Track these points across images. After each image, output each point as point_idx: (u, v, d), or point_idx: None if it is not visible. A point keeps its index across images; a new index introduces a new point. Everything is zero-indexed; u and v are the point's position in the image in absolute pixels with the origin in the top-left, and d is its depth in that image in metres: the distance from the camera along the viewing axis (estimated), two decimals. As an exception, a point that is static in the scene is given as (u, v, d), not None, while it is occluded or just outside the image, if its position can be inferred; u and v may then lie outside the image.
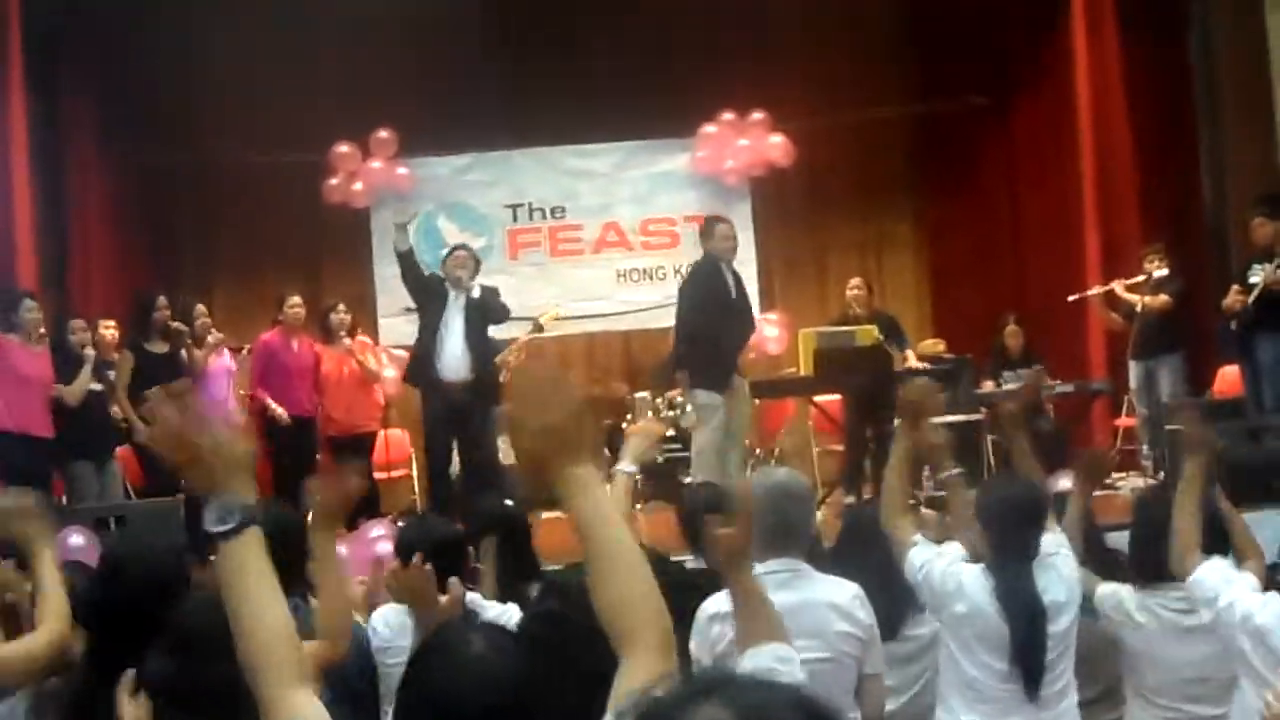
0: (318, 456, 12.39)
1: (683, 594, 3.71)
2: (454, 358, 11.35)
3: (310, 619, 4.47)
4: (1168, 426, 11.79)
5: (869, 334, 12.13)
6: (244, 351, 12.43)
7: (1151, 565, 5.35)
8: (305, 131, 14.96)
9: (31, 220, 12.48)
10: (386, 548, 7.71)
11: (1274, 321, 11.03)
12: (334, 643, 4.33)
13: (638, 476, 5.21)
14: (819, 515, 7.94)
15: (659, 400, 14.07)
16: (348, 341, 12.47)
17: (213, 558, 2.72)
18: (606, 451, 13.57)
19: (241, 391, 12.55)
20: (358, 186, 15.02)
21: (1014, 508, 5.25)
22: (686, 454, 13.53)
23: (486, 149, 15.69)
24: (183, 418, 2.73)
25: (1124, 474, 12.33)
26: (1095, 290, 12.88)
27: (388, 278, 13.86)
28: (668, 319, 15.18)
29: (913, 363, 13.12)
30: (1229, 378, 12.22)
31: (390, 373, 12.92)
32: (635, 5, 14.73)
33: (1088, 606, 5.42)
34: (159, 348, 11.45)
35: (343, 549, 9.43)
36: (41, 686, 4.14)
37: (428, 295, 11.63)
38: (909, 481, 5.54)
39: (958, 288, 15.99)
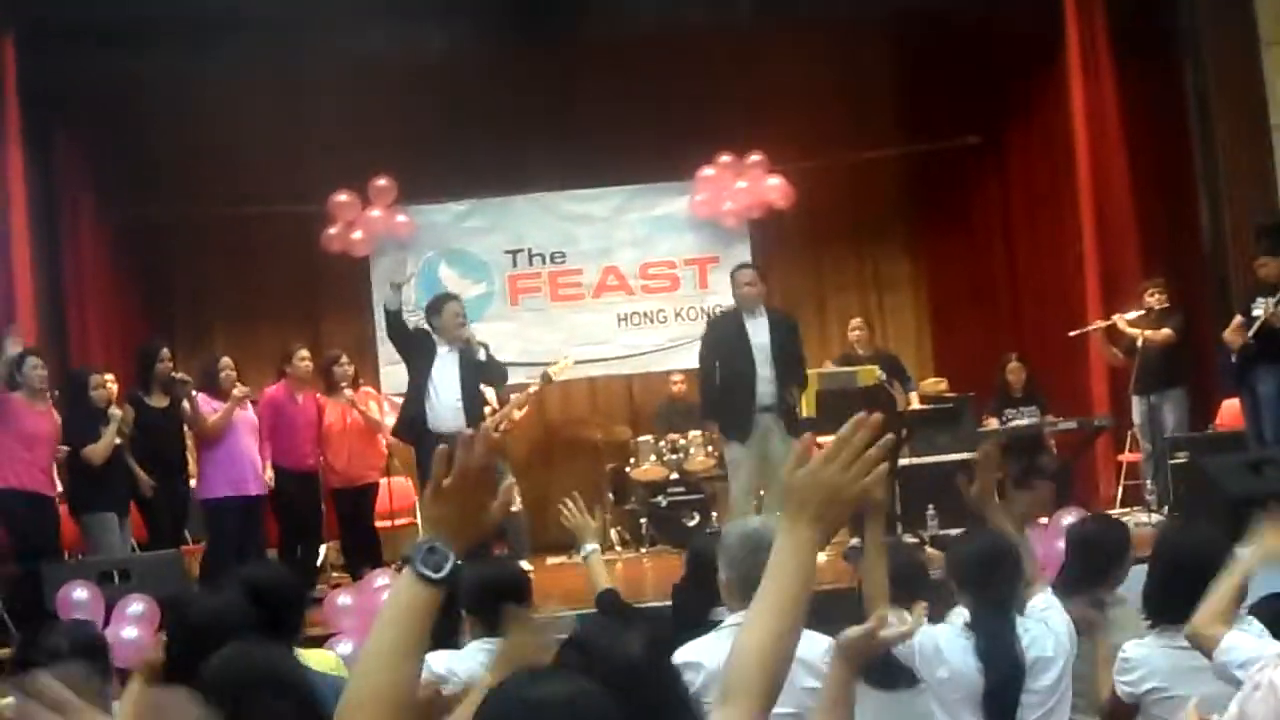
0: (322, 509, 12.42)
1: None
2: (449, 409, 11.24)
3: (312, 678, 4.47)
4: (1171, 461, 11.83)
5: (871, 374, 12.13)
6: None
7: (1172, 607, 5.19)
8: (302, 182, 15.01)
9: (31, 276, 12.47)
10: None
11: (1274, 354, 11.05)
12: None
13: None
14: (823, 556, 7.88)
15: (661, 444, 14.06)
16: (349, 392, 12.44)
17: None
18: (610, 496, 13.67)
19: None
20: (357, 235, 15.02)
21: (984, 561, 5.20)
22: (690, 497, 13.58)
23: (485, 195, 15.69)
24: (483, 465, 2.70)
25: (1128, 509, 12.32)
26: (1096, 325, 12.87)
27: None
28: (669, 362, 15.30)
29: (916, 403, 13.15)
30: (1231, 411, 12.22)
31: (390, 421, 12.92)
32: (632, 51, 14.73)
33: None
34: (159, 401, 11.42)
35: (348, 599, 9.45)
36: None
37: (416, 350, 11.57)
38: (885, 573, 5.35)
39: (957, 325, 16.02)
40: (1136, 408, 12.56)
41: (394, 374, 14.30)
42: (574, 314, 15.78)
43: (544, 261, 15.80)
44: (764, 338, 11.23)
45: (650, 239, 15.83)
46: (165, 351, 11.61)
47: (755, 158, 15.23)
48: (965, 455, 11.72)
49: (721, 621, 4.94)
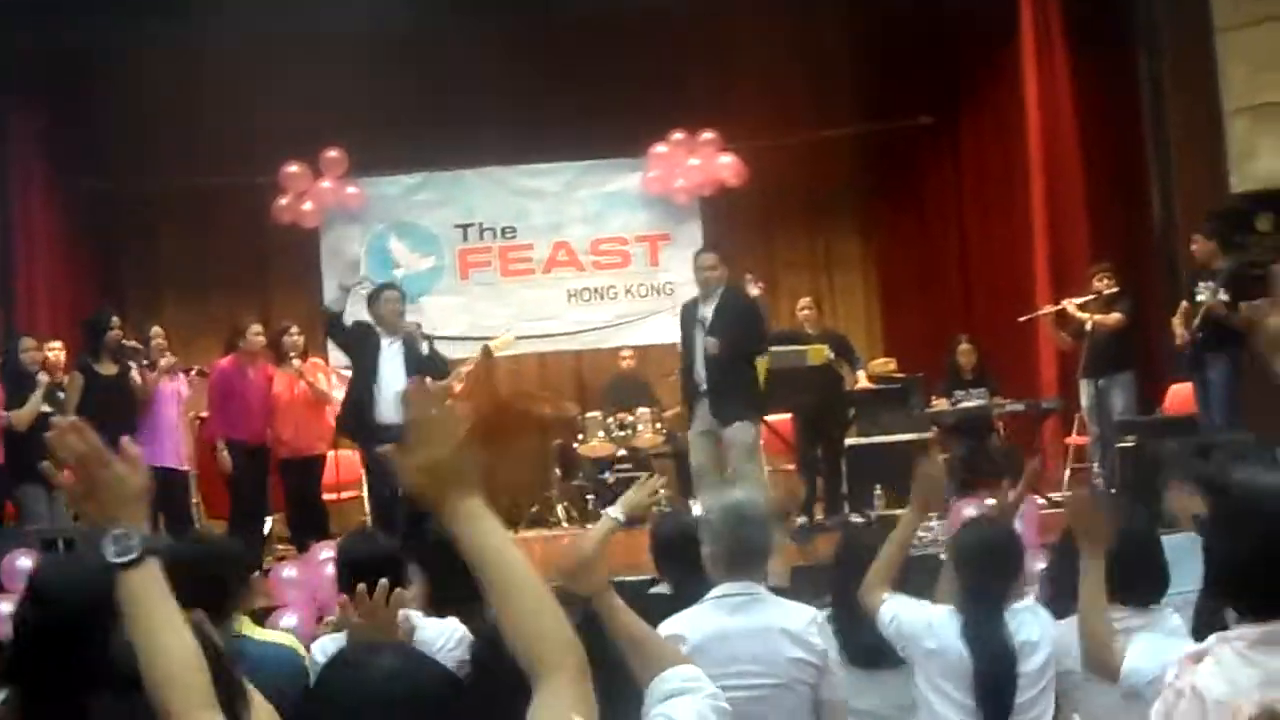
0: (267, 483, 12.36)
1: (645, 620, 3.67)
2: (393, 401, 10.88)
3: (250, 648, 4.44)
4: (1119, 445, 11.87)
5: (820, 353, 12.11)
6: (193, 373, 12.31)
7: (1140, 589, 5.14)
8: (253, 153, 14.97)
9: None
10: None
11: (1221, 340, 11.11)
12: None
13: (621, 521, 5.23)
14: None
15: (610, 420, 14.05)
16: (297, 363, 12.37)
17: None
18: (557, 471, 13.64)
19: (191, 414, 12.48)
20: (308, 206, 14.97)
21: (988, 552, 5.20)
22: (638, 473, 13.54)
23: (437, 168, 15.67)
24: (84, 449, 2.73)
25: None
26: (1046, 310, 12.91)
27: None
28: (619, 339, 15.31)
29: (864, 383, 13.15)
30: (1180, 395, 12.26)
31: (339, 394, 12.87)
32: (587, 27, 14.71)
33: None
34: (108, 369, 11.34)
35: (293, 572, 9.40)
36: None
37: (359, 345, 11.47)
38: (904, 555, 5.38)
39: (907, 306, 16.05)
40: (1084, 391, 12.59)
41: (343, 346, 14.29)
42: (524, 289, 15.76)
43: (495, 236, 15.78)
44: (709, 321, 11.10)
45: (602, 215, 15.82)
46: (115, 320, 11.55)
47: (708, 135, 15.22)
48: (913, 436, 11.76)
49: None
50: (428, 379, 11.65)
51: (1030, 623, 5.10)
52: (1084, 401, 12.68)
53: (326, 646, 5.09)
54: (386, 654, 2.57)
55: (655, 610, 4.59)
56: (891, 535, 5.33)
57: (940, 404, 12.94)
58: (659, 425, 13.89)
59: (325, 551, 9.62)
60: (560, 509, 13.73)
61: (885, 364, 13.98)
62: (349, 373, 12.18)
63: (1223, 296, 11.04)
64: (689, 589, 5.01)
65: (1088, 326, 12.32)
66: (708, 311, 11.08)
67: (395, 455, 2.61)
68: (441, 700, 2.48)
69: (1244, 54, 12.54)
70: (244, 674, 3.30)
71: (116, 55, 14.21)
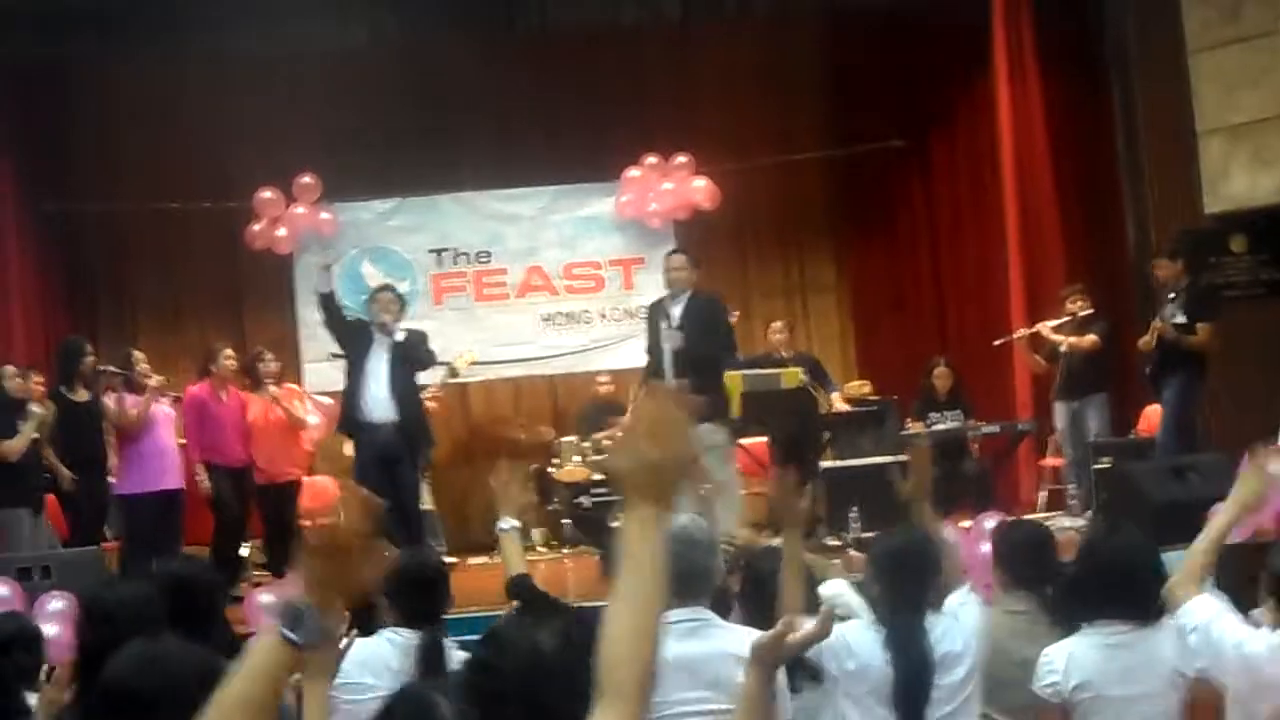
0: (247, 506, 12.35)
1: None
2: (379, 400, 11.24)
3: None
4: (1094, 467, 11.92)
5: (794, 376, 12.13)
6: (169, 399, 12.28)
7: (1097, 606, 5.15)
8: (226, 178, 14.95)
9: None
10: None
11: (1175, 362, 11.27)
12: None
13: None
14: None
15: (585, 444, 14.04)
16: (273, 388, 12.37)
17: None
18: (536, 497, 13.60)
19: (180, 440, 12.47)
20: (281, 232, 14.91)
21: (905, 559, 5.15)
22: (613, 498, 13.49)
23: (411, 193, 15.61)
24: (357, 523, 2.74)
25: (1051, 514, 12.37)
26: (1021, 333, 12.95)
27: (312, 323, 13.71)
28: (593, 363, 15.30)
29: (839, 406, 13.17)
30: (1154, 416, 12.30)
31: (314, 419, 12.85)
32: (560, 50, 14.74)
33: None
34: (80, 396, 11.35)
35: (269, 597, 9.37)
36: None
37: (352, 339, 11.54)
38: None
39: (881, 330, 16.07)
40: (1059, 413, 12.62)
41: (317, 371, 14.29)
42: (498, 314, 15.70)
43: (468, 261, 15.72)
44: (676, 322, 10.97)
45: (576, 239, 15.77)
46: (89, 347, 11.63)
47: (681, 159, 15.20)
48: (889, 458, 11.75)
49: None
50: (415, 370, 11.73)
51: (953, 633, 5.05)
52: (1059, 424, 12.71)
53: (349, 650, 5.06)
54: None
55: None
56: (789, 565, 5.02)
57: (915, 427, 12.96)
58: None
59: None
60: (536, 534, 13.71)
61: (861, 386, 14.00)
62: (324, 398, 12.19)
63: (1178, 319, 11.19)
64: None
65: (1063, 349, 12.35)
66: (675, 311, 10.99)
67: (617, 441, 2.60)
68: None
69: (1216, 75, 12.61)
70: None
71: (88, 80, 14.19)
